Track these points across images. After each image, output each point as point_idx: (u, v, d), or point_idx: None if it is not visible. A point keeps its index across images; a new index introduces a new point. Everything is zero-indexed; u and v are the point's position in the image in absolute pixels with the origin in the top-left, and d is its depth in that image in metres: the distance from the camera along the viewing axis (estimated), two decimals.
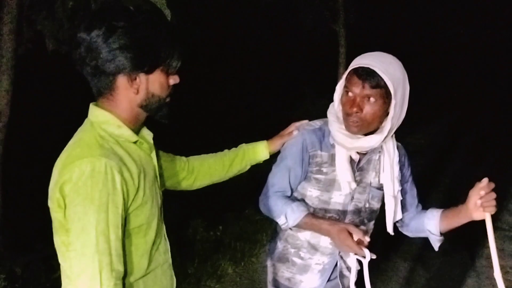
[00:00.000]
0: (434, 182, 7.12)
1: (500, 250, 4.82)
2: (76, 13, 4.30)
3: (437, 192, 6.65)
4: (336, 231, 1.83)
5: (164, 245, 1.65)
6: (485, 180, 1.83)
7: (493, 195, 1.80)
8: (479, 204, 1.81)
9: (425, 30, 20.91)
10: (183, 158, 2.02)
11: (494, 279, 1.78)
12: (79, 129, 1.52)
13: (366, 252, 1.80)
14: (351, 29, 10.98)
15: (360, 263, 1.94)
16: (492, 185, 1.82)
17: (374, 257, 1.82)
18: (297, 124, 2.09)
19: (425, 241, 2.13)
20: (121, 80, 1.45)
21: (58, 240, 1.45)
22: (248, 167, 2.15)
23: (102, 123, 1.46)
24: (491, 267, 1.81)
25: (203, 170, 2.03)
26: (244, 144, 2.15)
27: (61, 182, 1.36)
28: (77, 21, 4.19)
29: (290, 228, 2.02)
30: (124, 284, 1.45)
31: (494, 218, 5.09)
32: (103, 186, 1.34)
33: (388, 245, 4.76)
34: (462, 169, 8.09)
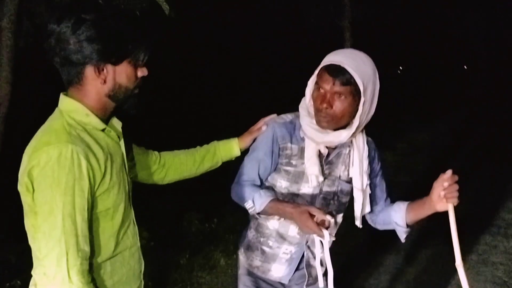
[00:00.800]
0: (436, 177, 7.09)
1: (493, 247, 4.87)
2: (56, 8, 4.38)
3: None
4: (298, 213, 1.84)
5: (133, 229, 1.71)
6: (449, 172, 1.85)
7: (456, 186, 1.82)
8: (442, 195, 1.83)
9: (433, 27, 20.79)
10: (156, 152, 2.07)
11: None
12: (49, 117, 1.57)
13: (326, 233, 1.82)
14: (357, 25, 10.97)
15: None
16: (456, 177, 1.84)
17: (333, 239, 1.91)
18: (266, 119, 2.14)
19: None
20: (89, 71, 1.51)
21: (28, 223, 1.51)
22: (220, 163, 2.19)
23: (70, 111, 1.52)
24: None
25: (175, 165, 2.09)
26: (215, 141, 2.20)
27: (30, 167, 1.42)
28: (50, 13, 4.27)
29: (259, 215, 2.06)
30: (91, 265, 1.52)
31: (491, 214, 5.15)
32: (69, 171, 1.40)
33: (375, 240, 4.92)
34: (464, 167, 8.08)
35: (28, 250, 3.77)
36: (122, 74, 1.55)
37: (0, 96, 4.35)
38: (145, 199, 5.47)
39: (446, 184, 1.83)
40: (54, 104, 1.59)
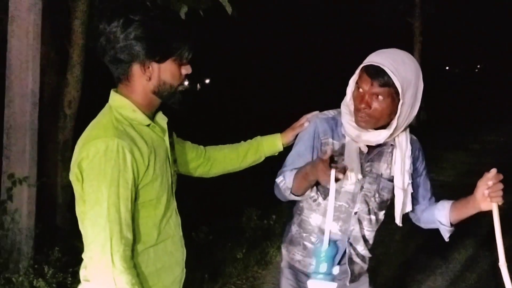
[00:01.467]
0: (508, 179, 6.87)
1: None
2: (107, 9, 4.56)
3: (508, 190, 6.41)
4: (312, 164, 1.81)
5: (175, 219, 1.79)
6: (493, 171, 1.79)
7: (500, 185, 1.77)
8: (486, 194, 1.78)
9: (509, 22, 19.83)
10: (201, 146, 2.14)
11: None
12: (100, 112, 1.67)
13: (332, 172, 1.69)
14: (429, 23, 10.70)
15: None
16: (500, 176, 1.79)
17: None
18: (308, 115, 2.15)
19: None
20: (135, 68, 1.59)
21: (78, 210, 1.61)
22: (263, 158, 2.23)
23: (118, 107, 1.62)
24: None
25: (219, 159, 2.15)
26: (259, 136, 2.24)
27: (80, 158, 1.52)
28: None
29: (301, 213, 2.10)
30: (136, 251, 1.61)
31: None
32: (115, 164, 1.49)
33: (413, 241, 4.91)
34: None
35: None
36: (166, 71, 1.63)
37: (71, 94, 4.61)
38: (205, 195, 5.66)
39: (490, 183, 1.78)
40: None
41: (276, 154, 2.24)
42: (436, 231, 2.14)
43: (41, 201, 3.82)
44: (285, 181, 1.97)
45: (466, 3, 14.20)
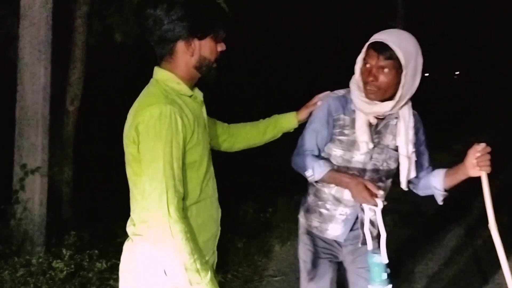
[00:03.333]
0: (498, 178, 7.17)
1: None
2: (142, 8, 4.72)
3: (498, 185, 6.70)
4: (354, 184, 2.10)
5: (213, 182, 1.98)
6: (482, 144, 2.04)
7: (488, 156, 2.01)
8: (475, 163, 2.02)
9: (491, 29, 20.38)
10: (225, 124, 2.35)
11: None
12: (146, 86, 1.87)
13: (379, 201, 2.08)
14: (410, 28, 10.98)
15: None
16: (488, 149, 2.02)
17: (385, 203, 2.10)
18: (320, 95, 2.38)
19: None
20: (180, 45, 1.79)
21: (130, 171, 1.80)
22: (280, 134, 2.44)
23: (165, 80, 1.82)
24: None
25: (242, 135, 2.36)
26: (276, 114, 2.45)
27: (136, 123, 1.70)
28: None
29: (317, 182, 2.29)
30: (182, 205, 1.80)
31: None
32: (168, 127, 1.66)
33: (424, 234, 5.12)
34: None
35: (100, 229, 4.08)
36: (206, 48, 1.84)
37: (74, 92, 4.75)
38: None
39: (478, 154, 2.01)
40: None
41: (292, 130, 2.44)
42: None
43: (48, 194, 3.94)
44: (314, 176, 2.22)
45: (446, 11, 14.58)
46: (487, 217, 1.95)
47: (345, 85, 2.28)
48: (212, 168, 1.98)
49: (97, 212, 4.58)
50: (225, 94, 8.89)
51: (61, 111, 4.64)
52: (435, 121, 13.29)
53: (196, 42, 1.81)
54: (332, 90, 2.40)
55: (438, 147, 9.68)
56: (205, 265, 1.71)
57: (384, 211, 2.17)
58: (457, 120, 13.61)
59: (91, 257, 3.36)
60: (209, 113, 2.05)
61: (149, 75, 1.90)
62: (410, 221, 5.44)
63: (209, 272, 1.71)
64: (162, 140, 1.66)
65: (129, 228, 1.86)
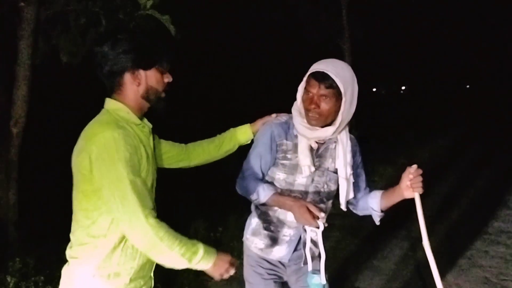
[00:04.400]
0: (435, 192, 7.44)
1: (483, 252, 5.13)
2: (88, 29, 4.71)
3: (435, 200, 6.98)
4: (297, 207, 2.20)
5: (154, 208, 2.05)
6: (414, 166, 2.20)
7: (420, 178, 2.16)
8: (409, 185, 2.17)
9: (435, 46, 21.17)
10: (182, 144, 2.46)
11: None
12: (97, 116, 1.96)
13: (320, 223, 2.18)
14: (357, 45, 11.34)
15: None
16: (420, 171, 2.19)
17: (325, 225, 2.20)
18: (270, 116, 2.50)
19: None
20: (127, 77, 1.94)
21: (78, 191, 1.87)
22: (236, 147, 2.56)
23: (115, 109, 1.94)
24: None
25: (198, 151, 2.47)
26: (232, 128, 2.57)
27: (89, 149, 1.79)
28: (88, 37, 4.62)
29: (262, 204, 2.37)
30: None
31: (483, 222, 5.48)
32: (125, 148, 1.79)
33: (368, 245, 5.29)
34: (461, 180, 8.43)
35: (46, 254, 4.01)
36: (152, 78, 1.98)
37: (18, 113, 4.65)
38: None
39: (411, 176, 2.16)
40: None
41: (249, 142, 2.55)
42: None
43: None
44: (258, 199, 2.30)
45: (391, 28, 15.07)
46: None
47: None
48: (153, 194, 2.05)
49: (43, 236, 4.49)
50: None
51: (4, 133, 4.53)
52: (381, 135, 13.78)
53: (142, 73, 1.95)
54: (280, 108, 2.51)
55: (384, 161, 10.00)
56: (193, 243, 1.88)
57: (330, 227, 2.27)
58: (403, 134, 14.01)
59: (37, 284, 3.30)
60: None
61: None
62: (355, 235, 5.62)
63: (200, 246, 1.90)
64: (122, 160, 1.78)
65: (67, 251, 1.95)
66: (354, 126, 12.07)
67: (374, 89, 31.42)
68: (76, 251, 1.90)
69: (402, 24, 15.69)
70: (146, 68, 1.94)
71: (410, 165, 2.22)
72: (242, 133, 2.54)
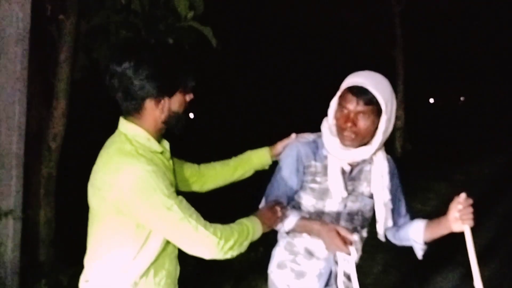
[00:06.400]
0: (490, 209, 6.99)
1: None
2: (114, 48, 4.61)
3: (490, 226, 6.49)
4: (326, 231, 1.95)
5: None
6: (463, 195, 1.91)
7: (470, 209, 1.89)
8: (458, 216, 1.90)
9: (497, 55, 20.26)
10: (195, 164, 2.26)
11: None
12: (113, 139, 1.80)
13: (352, 250, 1.92)
14: (412, 55, 10.93)
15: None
16: (470, 201, 1.90)
17: (360, 253, 2.01)
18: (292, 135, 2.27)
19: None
20: (148, 103, 1.76)
21: (103, 225, 1.79)
22: (252, 171, 2.36)
23: (134, 136, 1.76)
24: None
25: (211, 174, 2.28)
26: (249, 150, 2.37)
27: (119, 186, 1.66)
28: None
29: (287, 233, 2.15)
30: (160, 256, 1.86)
31: None
32: (157, 181, 1.67)
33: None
34: None
35: (79, 272, 3.95)
36: (176, 103, 1.81)
37: (57, 127, 4.60)
38: None
39: (460, 206, 1.89)
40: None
41: (266, 167, 2.36)
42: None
43: (24, 236, 3.77)
44: (284, 227, 2.10)
45: (448, 35, 14.50)
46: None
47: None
48: None
49: (79, 254, 4.40)
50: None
51: (42, 148, 4.48)
52: (437, 149, 13.26)
53: (166, 99, 1.76)
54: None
55: (439, 177, 9.56)
56: (241, 225, 1.89)
57: (370, 260, 2.02)
58: (460, 149, 13.42)
59: None
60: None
61: None
62: (398, 270, 5.09)
63: (246, 224, 1.90)
64: (163, 192, 1.68)
65: (81, 285, 1.87)
66: (408, 139, 11.68)
67: (432, 100, 30.53)
68: (92, 285, 1.84)
69: (459, 32, 15.06)
70: (171, 95, 1.78)
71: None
72: (259, 157, 2.33)
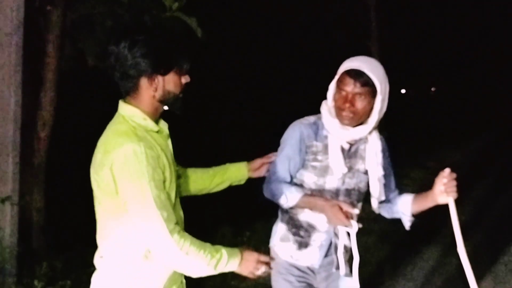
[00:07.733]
0: (467, 196, 7.26)
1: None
2: (114, 31, 4.69)
3: (469, 205, 6.77)
4: (329, 206, 2.14)
5: (181, 214, 2.02)
6: (447, 170, 2.14)
7: (454, 182, 2.11)
8: (443, 190, 2.10)
9: (467, 46, 20.72)
10: (183, 168, 2.30)
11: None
12: (112, 121, 1.88)
13: (354, 223, 2.12)
14: (386, 46, 11.19)
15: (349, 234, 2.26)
16: (454, 175, 2.12)
17: (360, 226, 2.15)
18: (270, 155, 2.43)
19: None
20: (143, 81, 1.82)
21: (102, 208, 1.85)
22: (227, 183, 2.42)
23: (131, 116, 1.83)
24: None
25: (193, 178, 2.33)
26: (228, 163, 2.45)
27: (109, 163, 1.73)
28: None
29: (291, 208, 2.30)
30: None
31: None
32: (147, 163, 1.72)
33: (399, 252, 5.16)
34: (492, 186, 8.23)
35: (72, 257, 4.02)
36: (170, 82, 1.86)
37: (45, 117, 4.65)
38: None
39: (445, 180, 2.10)
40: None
41: (242, 182, 2.45)
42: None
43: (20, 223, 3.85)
44: (288, 202, 2.23)
45: (419, 30, 14.82)
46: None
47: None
48: (179, 204, 2.00)
49: (71, 240, 4.49)
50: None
51: (31, 137, 4.54)
52: (410, 138, 13.57)
53: (159, 78, 1.83)
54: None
55: (414, 164, 9.83)
56: (216, 249, 1.84)
57: (359, 232, 2.19)
58: (432, 137, 13.77)
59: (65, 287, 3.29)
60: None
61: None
62: (385, 241, 5.47)
63: (222, 251, 1.85)
64: (145, 176, 1.71)
65: (97, 260, 1.92)
66: (384, 127, 11.86)
67: (403, 91, 31.01)
68: (106, 261, 1.89)
69: (431, 24, 15.40)
70: (164, 73, 1.84)
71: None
72: (237, 169, 2.42)
